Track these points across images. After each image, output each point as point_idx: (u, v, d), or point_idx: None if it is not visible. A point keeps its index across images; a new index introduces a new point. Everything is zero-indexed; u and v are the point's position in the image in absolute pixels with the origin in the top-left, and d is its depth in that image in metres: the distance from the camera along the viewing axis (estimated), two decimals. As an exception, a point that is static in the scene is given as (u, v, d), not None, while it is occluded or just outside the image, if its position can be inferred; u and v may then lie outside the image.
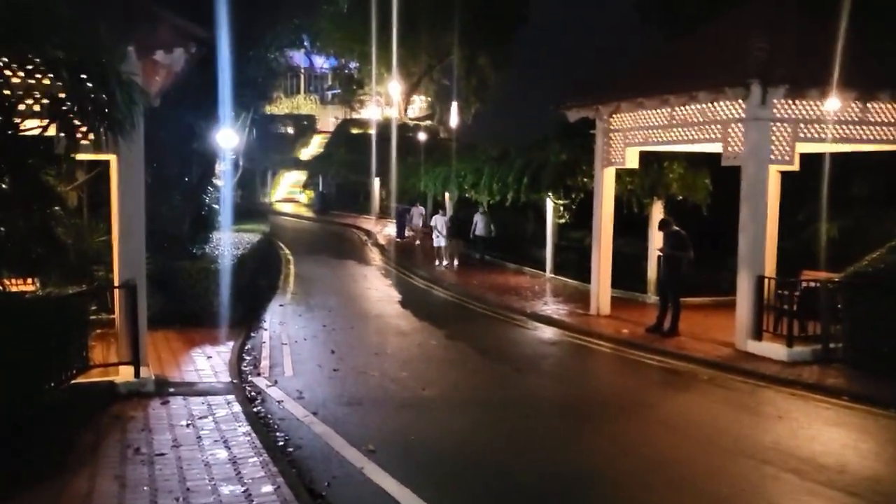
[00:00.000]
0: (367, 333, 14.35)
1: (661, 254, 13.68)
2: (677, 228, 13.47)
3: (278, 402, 9.30)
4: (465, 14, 51.18)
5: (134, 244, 9.37)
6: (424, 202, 35.00)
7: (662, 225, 13.80)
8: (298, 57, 58.22)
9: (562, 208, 20.65)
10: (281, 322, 15.29)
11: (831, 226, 16.07)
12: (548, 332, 14.75)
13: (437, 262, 24.52)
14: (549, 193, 19.44)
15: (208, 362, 10.95)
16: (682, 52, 14.87)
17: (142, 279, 9.37)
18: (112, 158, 9.31)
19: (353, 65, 59.95)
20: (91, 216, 13.45)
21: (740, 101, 12.14)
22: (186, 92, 13.89)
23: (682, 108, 13.30)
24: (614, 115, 15.11)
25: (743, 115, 12.19)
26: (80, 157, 9.50)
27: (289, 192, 58.14)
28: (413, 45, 54.73)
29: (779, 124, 12.12)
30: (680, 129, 13.56)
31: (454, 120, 53.04)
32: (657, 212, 17.38)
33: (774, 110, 12.04)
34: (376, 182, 45.34)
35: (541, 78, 57.31)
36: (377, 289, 20.64)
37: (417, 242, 30.92)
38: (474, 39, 54.05)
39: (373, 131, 50.74)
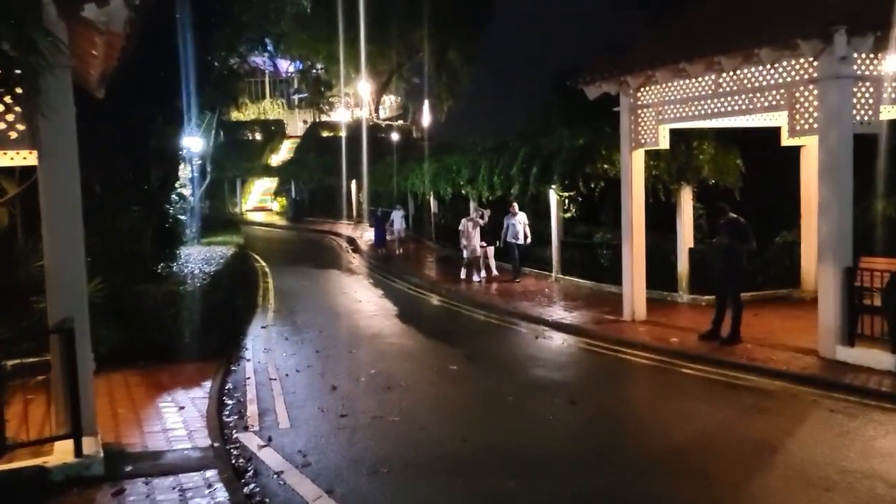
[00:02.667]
0: (371, 359, 11.88)
1: (717, 246, 11.35)
2: (735, 216, 11.20)
3: (277, 473, 6.80)
4: (434, 7, 48.89)
5: (69, 271, 6.84)
6: (405, 204, 32.24)
7: (717, 212, 11.52)
8: (263, 61, 55.58)
9: (566, 201, 18.36)
10: (266, 349, 12.78)
11: (889, 203, 13.91)
12: (581, 345, 12.40)
13: (464, 276, 19.60)
14: (554, 186, 17.06)
15: (180, 415, 8.42)
16: (716, 12, 12.62)
17: (82, 317, 6.85)
18: (31, 156, 6.79)
19: (319, 66, 57.34)
20: (28, 237, 10.88)
21: (811, 58, 9.90)
22: (142, 83, 11.37)
23: (734, 72, 11.03)
24: (644, 89, 12.82)
25: (816, 75, 9.94)
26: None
27: (260, 201, 55.29)
28: (381, 43, 52.34)
29: (861, 83, 9.89)
30: (729, 99, 11.29)
31: (427, 118, 50.73)
32: (686, 199, 15.15)
33: (856, 66, 9.80)
34: (353, 185, 42.73)
35: (513, 71, 55.20)
36: (369, 301, 18.18)
37: (400, 251, 27.56)
38: (444, 33, 51.82)
39: (343, 133, 48.26)
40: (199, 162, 22.41)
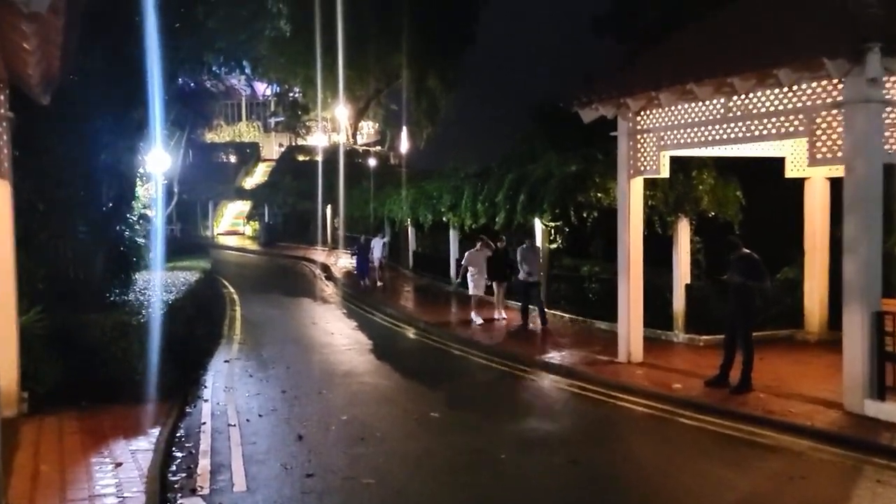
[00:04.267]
0: (343, 402, 10.59)
1: (728, 284, 10.25)
2: (748, 251, 10.14)
3: (225, 559, 5.52)
4: (413, 35, 48.12)
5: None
6: (382, 230, 30.76)
7: (729, 247, 10.45)
8: (239, 83, 54.36)
9: (553, 231, 17.29)
10: (227, 387, 11.45)
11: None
12: (574, 389, 11.22)
13: (473, 317, 16.88)
14: (543, 214, 15.97)
15: (115, 475, 7.06)
16: (723, 31, 11.68)
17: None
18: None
19: (297, 90, 56.20)
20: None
21: (836, 79, 8.92)
22: (92, 89, 10.11)
23: (746, 95, 10.03)
24: (645, 112, 11.81)
25: (841, 98, 8.95)
26: None
27: (232, 224, 53.77)
28: (360, 69, 51.35)
29: (892, 108, 8.93)
30: (739, 124, 10.27)
31: (405, 145, 49.71)
32: (683, 231, 14.11)
33: (886, 89, 8.85)
34: (327, 211, 41.47)
35: (493, 99, 54.53)
36: (341, 333, 16.88)
37: (380, 283, 24.68)
38: (423, 60, 50.99)
39: (319, 158, 47.04)
40: (166, 182, 21.07)
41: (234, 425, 9.28)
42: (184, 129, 24.79)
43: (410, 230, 27.61)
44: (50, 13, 6.12)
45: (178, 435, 8.87)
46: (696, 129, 11.01)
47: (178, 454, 8.13)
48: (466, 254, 17.13)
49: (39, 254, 9.76)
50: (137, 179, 12.51)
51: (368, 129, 62.12)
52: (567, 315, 17.00)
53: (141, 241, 13.46)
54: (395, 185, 29.26)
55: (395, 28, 47.68)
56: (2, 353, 8.92)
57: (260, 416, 9.76)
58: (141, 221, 13.89)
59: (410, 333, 16.98)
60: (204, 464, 7.76)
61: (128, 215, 11.87)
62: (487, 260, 16.86)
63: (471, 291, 17.21)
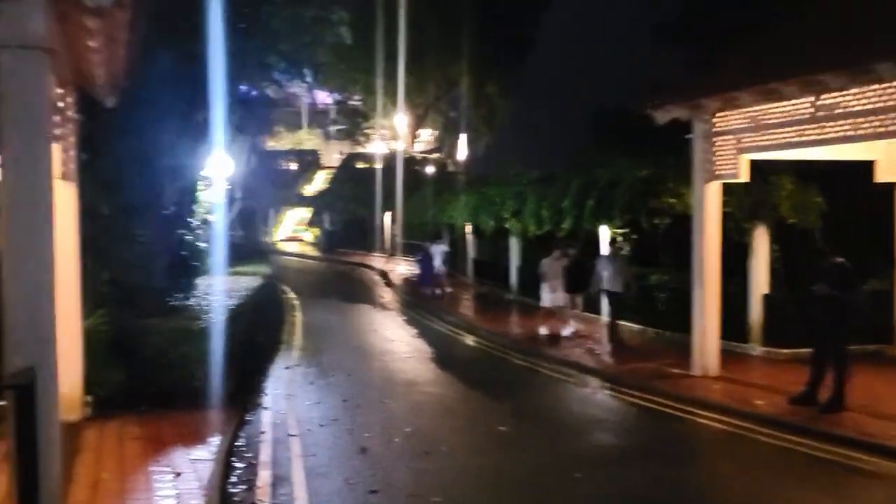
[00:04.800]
0: (406, 413, 10.22)
1: (820, 294, 9.52)
2: (841, 260, 9.43)
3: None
4: (472, 42, 47.87)
5: (34, 306, 5.28)
6: (441, 236, 30.02)
7: (819, 255, 9.76)
8: (300, 90, 54.87)
9: (619, 238, 16.66)
10: (287, 395, 11.18)
11: None
12: (647, 403, 10.62)
13: (546, 330, 15.75)
14: (613, 220, 15.36)
15: (175, 486, 6.80)
16: (800, 29, 11.02)
17: (48, 369, 5.28)
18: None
19: (357, 98, 56.44)
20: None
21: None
22: (158, 94, 9.98)
23: (839, 93, 9.34)
24: (722, 113, 11.17)
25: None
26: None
27: (293, 231, 54.18)
28: (419, 76, 51.30)
29: None
30: (831, 124, 9.58)
31: (463, 151, 49.40)
32: (760, 239, 13.38)
33: None
34: (386, 217, 41.36)
35: (552, 106, 53.80)
36: (402, 340, 16.53)
37: (439, 291, 23.60)
38: (482, 67, 50.66)
39: (378, 165, 47.08)
40: (228, 187, 21.10)
41: (295, 435, 8.98)
42: (247, 135, 24.83)
43: (469, 237, 27.20)
44: (115, 8, 5.89)
45: (237, 444, 8.59)
46: (779, 131, 10.34)
47: (238, 465, 7.84)
48: (542, 262, 15.74)
49: (102, 258, 9.63)
50: (199, 183, 12.36)
51: (426, 135, 62.02)
52: (635, 325, 16.34)
53: (203, 245, 13.36)
54: (453, 192, 28.92)
55: (455, 35, 47.54)
56: (66, 357, 8.72)
57: (321, 425, 9.45)
58: (203, 226, 13.79)
59: (472, 342, 16.55)
60: (264, 476, 7.45)
61: (190, 219, 11.73)
62: (565, 269, 15.55)
63: (545, 303, 15.88)
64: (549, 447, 8.61)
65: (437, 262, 24.14)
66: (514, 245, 22.47)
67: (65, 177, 8.42)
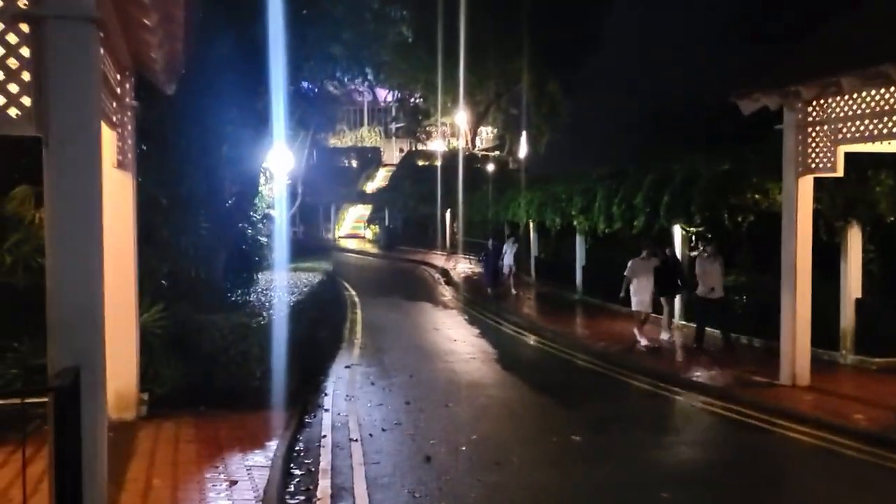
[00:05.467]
0: (472, 418, 9.61)
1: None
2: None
3: None
4: (534, 39, 46.99)
5: (79, 300, 4.81)
6: (514, 234, 27.07)
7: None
8: (361, 87, 54.81)
9: (693, 237, 15.77)
10: (348, 396, 10.69)
11: None
12: (731, 414, 9.79)
13: (638, 337, 14.25)
14: (692, 218, 14.45)
15: (229, 494, 6.31)
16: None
17: (93, 369, 4.80)
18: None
19: (417, 95, 56.12)
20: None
21: None
22: (218, 82, 9.58)
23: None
24: (817, 102, 10.25)
25: None
26: None
27: (353, 228, 54.13)
28: (480, 74, 50.65)
29: None
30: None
31: (524, 149, 48.59)
32: (854, 239, 12.35)
33: None
34: (447, 215, 40.85)
35: (615, 104, 52.50)
36: (464, 340, 15.92)
37: (514, 292, 22.89)
38: (544, 65, 49.73)
39: (439, 163, 46.62)
40: (290, 182, 20.82)
41: (357, 440, 8.46)
42: (308, 130, 24.59)
43: (532, 235, 26.45)
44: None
45: (296, 448, 8.11)
46: (882, 120, 9.38)
47: (297, 472, 7.35)
48: (630, 263, 14.20)
49: (161, 250, 9.27)
50: (261, 176, 11.96)
51: (487, 133, 61.36)
52: (708, 329, 15.38)
53: (263, 240, 12.98)
54: (515, 190, 28.19)
55: (517, 33, 46.79)
56: (121, 352, 8.41)
57: (383, 430, 8.91)
58: (264, 221, 13.42)
59: (536, 343, 15.84)
60: (324, 486, 6.93)
61: (250, 213, 11.32)
62: (656, 270, 14.14)
63: (634, 307, 14.36)
64: (628, 462, 7.89)
65: (508, 261, 23.17)
66: (580, 243, 21.66)
67: (121, 166, 8.05)
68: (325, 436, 8.65)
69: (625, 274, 14.24)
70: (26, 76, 4.68)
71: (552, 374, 12.98)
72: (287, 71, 10.83)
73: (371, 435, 8.67)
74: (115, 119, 7.80)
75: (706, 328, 13.83)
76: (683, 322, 15.79)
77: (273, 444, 7.77)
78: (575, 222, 19.57)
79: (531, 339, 16.25)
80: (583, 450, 8.30)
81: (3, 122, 4.68)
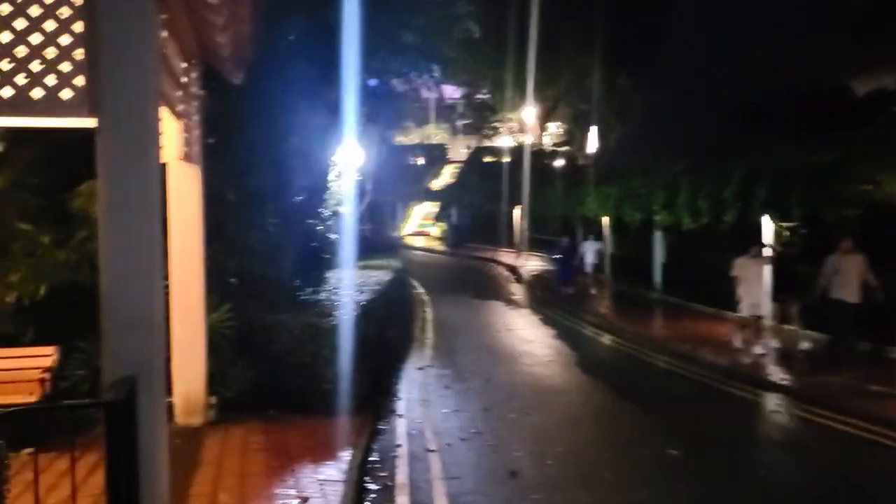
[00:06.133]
0: (556, 427, 8.92)
1: None
2: None
3: None
4: (604, 33, 45.75)
5: (136, 301, 4.32)
6: (596, 232, 25.08)
7: None
8: (428, 87, 54.43)
9: (787, 232, 14.68)
10: (422, 400, 10.12)
11: None
12: (847, 428, 8.83)
13: (741, 344, 12.79)
14: (783, 214, 13.40)
15: (301, 514, 5.81)
16: None
17: (152, 377, 4.31)
18: (93, 124, 4.37)
19: (484, 92, 55.40)
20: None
21: None
22: (287, 69, 9.11)
23: None
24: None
25: None
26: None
27: (420, 225, 53.77)
28: (549, 68, 49.55)
29: None
30: None
31: (593, 144, 47.42)
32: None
33: None
34: (515, 211, 40.05)
35: (690, 98, 50.80)
36: (540, 342, 15.19)
37: (592, 292, 21.76)
38: (614, 58, 48.38)
39: (506, 159, 45.88)
40: (359, 178, 20.39)
41: (434, 450, 7.87)
42: (377, 125, 24.18)
43: (607, 231, 25.45)
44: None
45: (370, 459, 7.57)
46: None
47: (372, 486, 6.79)
48: (736, 261, 12.61)
49: (229, 247, 8.85)
50: (330, 171, 11.48)
51: (555, 129, 60.24)
52: (803, 331, 14.28)
53: (333, 237, 12.53)
54: (592, 184, 27.25)
55: (586, 27, 45.66)
56: (189, 355, 8.04)
57: (462, 439, 8.30)
58: (333, 217, 12.98)
59: (616, 345, 15.01)
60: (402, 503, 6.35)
61: (320, 209, 10.85)
62: (774, 270, 12.67)
63: (742, 312, 12.74)
64: (732, 480, 7.09)
65: (590, 259, 22.08)
66: (659, 240, 20.67)
67: (187, 158, 7.63)
68: (399, 445, 8.09)
69: (731, 274, 12.67)
70: (79, 54, 4.22)
71: (637, 378, 12.16)
72: (359, 60, 10.27)
73: (449, 445, 8.07)
74: (180, 109, 7.37)
75: (840, 333, 12.12)
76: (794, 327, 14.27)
77: (346, 455, 7.24)
78: (657, 218, 18.56)
79: (610, 341, 15.41)
80: (681, 465, 7.51)
81: (55, 106, 4.23)
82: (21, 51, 4.13)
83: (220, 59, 7.81)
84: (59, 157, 8.64)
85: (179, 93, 7.19)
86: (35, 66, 4.13)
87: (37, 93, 4.12)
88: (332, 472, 6.72)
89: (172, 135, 7.48)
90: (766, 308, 12.49)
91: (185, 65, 7.57)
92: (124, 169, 4.23)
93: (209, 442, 7.43)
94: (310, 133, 9.27)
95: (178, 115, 7.37)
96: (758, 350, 12.46)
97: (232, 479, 6.37)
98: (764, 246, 12.75)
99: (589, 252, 21.98)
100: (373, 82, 21.16)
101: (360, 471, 6.95)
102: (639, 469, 7.40)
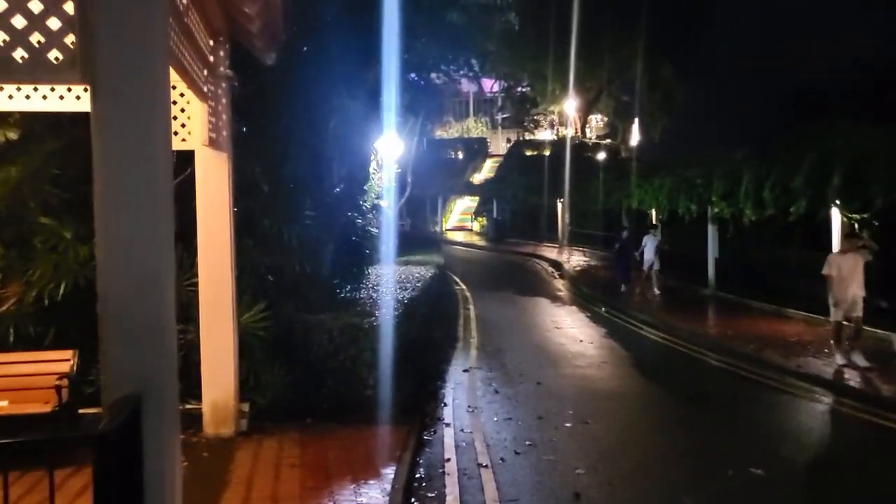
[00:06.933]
0: (618, 440, 8.03)
1: None
2: None
3: None
4: (647, 23, 44.40)
5: (141, 309, 3.56)
6: (654, 224, 22.89)
7: None
8: (469, 78, 53.56)
9: (856, 224, 13.54)
10: (470, 408, 9.30)
11: None
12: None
13: (838, 359, 11.13)
14: (864, 204, 12.26)
15: (339, 548, 5.03)
16: None
17: (161, 397, 3.54)
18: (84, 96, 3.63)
19: (524, 85, 54.40)
20: (177, 246, 8.14)
21: None
22: (323, 50, 8.35)
23: None
24: None
25: None
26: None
27: (460, 220, 52.93)
28: (590, 60, 48.40)
29: None
30: None
31: (636, 137, 46.21)
32: None
33: None
34: (558, 205, 39.01)
35: (736, 88, 49.09)
36: (591, 341, 14.26)
37: (656, 291, 19.86)
38: (657, 49, 46.98)
39: (547, 152, 44.89)
40: (399, 170, 19.65)
41: (486, 466, 7.05)
42: (417, 117, 23.41)
43: (656, 224, 24.31)
44: None
45: (416, 476, 6.78)
46: None
47: (419, 510, 6.00)
48: (829, 258, 11.10)
49: (262, 242, 8.13)
50: (370, 161, 10.70)
51: (597, 121, 58.98)
52: (879, 331, 13.17)
53: (374, 231, 11.78)
54: (629, 179, 26.18)
55: (628, 17, 44.36)
56: (218, 359, 7.34)
57: (516, 453, 7.47)
58: (374, 211, 12.23)
59: (672, 344, 13.99)
60: (454, 533, 5.55)
61: (360, 201, 10.08)
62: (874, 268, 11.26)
63: (833, 317, 11.16)
64: (834, 506, 6.15)
65: (649, 256, 20.10)
66: (712, 233, 19.56)
67: (214, 144, 6.91)
68: (448, 459, 7.28)
69: (824, 273, 11.01)
70: (70, 7, 3.46)
71: (700, 382, 11.19)
72: (399, 43, 9.47)
73: (503, 460, 7.24)
74: (206, 90, 6.65)
75: None
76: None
77: (389, 473, 6.46)
78: (715, 209, 17.38)
79: (666, 340, 14.41)
80: (771, 488, 6.58)
81: (41, 69, 3.49)
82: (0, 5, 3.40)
83: (250, 36, 7.07)
84: (82, 147, 8.03)
85: (205, 71, 6.48)
86: (18, 21, 3.39)
87: (20, 54, 3.39)
88: (375, 495, 5.94)
89: (198, 118, 6.78)
90: (859, 309, 10.94)
91: (211, 42, 6.86)
92: (124, 148, 3.48)
93: (240, 456, 6.72)
94: (349, 119, 8.49)
95: (204, 97, 6.66)
96: (857, 358, 11.02)
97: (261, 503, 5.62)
98: (860, 239, 11.31)
99: (649, 247, 20.12)
100: (413, 76, 20.46)
101: (406, 492, 6.16)
102: (724, 494, 6.48)
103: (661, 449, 7.76)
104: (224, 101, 7.14)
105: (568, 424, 8.51)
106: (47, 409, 6.45)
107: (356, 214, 9.97)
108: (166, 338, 3.65)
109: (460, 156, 53.96)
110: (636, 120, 47.87)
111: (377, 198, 13.91)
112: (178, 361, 3.90)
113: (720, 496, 6.38)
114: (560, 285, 24.51)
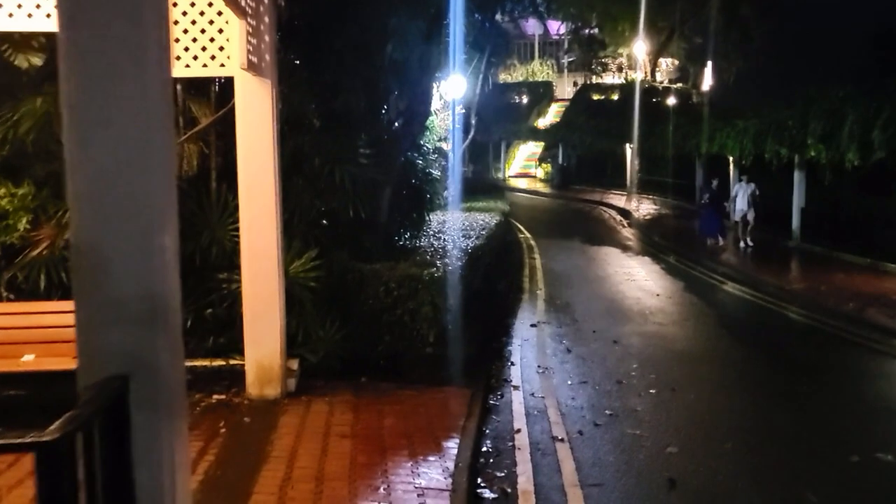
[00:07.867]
0: (709, 409, 7.00)
1: None
2: None
3: None
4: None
5: (128, 266, 2.65)
6: (746, 171, 20.06)
7: None
8: (532, 24, 51.38)
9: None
10: (540, 368, 8.37)
11: None
12: None
13: None
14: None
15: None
16: None
17: (156, 384, 2.65)
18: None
19: (592, 26, 51.91)
20: (223, 188, 7.31)
21: None
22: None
23: None
24: None
25: None
26: None
27: (523, 167, 51.35)
28: (661, -1, 45.71)
29: None
30: None
31: (708, 81, 43.67)
32: None
33: None
34: (627, 150, 37.22)
35: (826, 25, 45.79)
36: (668, 295, 13.09)
37: (749, 244, 17.83)
38: (736, -15, 44.06)
39: (616, 97, 42.85)
40: (463, 111, 18.53)
41: (562, 440, 6.13)
42: (482, 55, 22.08)
43: (734, 171, 22.69)
44: None
45: (483, 450, 5.90)
46: None
47: (487, 495, 5.12)
48: None
49: (312, 183, 7.23)
50: (432, 93, 9.63)
51: (667, 65, 56.17)
52: None
53: (435, 174, 10.77)
54: (701, 123, 24.41)
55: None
56: (262, 312, 6.53)
57: (596, 424, 6.52)
58: (435, 154, 11.22)
59: (759, 300, 12.73)
60: (529, 526, 4.66)
61: (420, 139, 9.05)
62: None
63: None
64: None
65: (741, 206, 17.96)
66: (799, 181, 17.96)
67: (255, 69, 5.96)
68: (518, 430, 6.38)
69: None
70: None
71: (798, 346, 9.99)
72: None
73: (581, 433, 6.30)
74: (244, 4, 5.70)
75: None
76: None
77: (452, 447, 5.58)
78: (812, 153, 15.66)
79: (752, 296, 13.14)
80: (904, 479, 5.49)
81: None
82: None
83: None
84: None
85: (242, -20, 5.51)
86: None
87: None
88: (435, 475, 5.07)
89: (235, 38, 5.83)
90: None
91: (251, -52, 5.87)
92: (99, 55, 2.52)
93: (284, 422, 5.93)
94: (408, 43, 7.42)
95: (243, 13, 5.70)
96: None
97: (304, 484, 4.80)
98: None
99: (741, 196, 18.05)
100: (477, 16, 19.21)
101: (471, 471, 5.28)
102: (849, 484, 5.42)
103: (766, 425, 6.69)
104: (267, 19, 6.17)
105: (652, 391, 7.51)
106: (75, 364, 5.75)
107: (416, 154, 8.99)
108: (160, 307, 2.72)
109: (525, 100, 52.06)
110: (709, 62, 45.22)
111: (440, 139, 12.88)
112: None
113: (850, 490, 5.31)
114: (629, 234, 23.19)
